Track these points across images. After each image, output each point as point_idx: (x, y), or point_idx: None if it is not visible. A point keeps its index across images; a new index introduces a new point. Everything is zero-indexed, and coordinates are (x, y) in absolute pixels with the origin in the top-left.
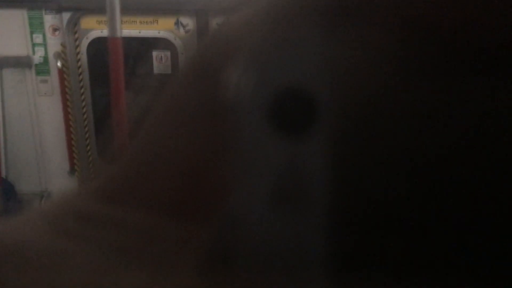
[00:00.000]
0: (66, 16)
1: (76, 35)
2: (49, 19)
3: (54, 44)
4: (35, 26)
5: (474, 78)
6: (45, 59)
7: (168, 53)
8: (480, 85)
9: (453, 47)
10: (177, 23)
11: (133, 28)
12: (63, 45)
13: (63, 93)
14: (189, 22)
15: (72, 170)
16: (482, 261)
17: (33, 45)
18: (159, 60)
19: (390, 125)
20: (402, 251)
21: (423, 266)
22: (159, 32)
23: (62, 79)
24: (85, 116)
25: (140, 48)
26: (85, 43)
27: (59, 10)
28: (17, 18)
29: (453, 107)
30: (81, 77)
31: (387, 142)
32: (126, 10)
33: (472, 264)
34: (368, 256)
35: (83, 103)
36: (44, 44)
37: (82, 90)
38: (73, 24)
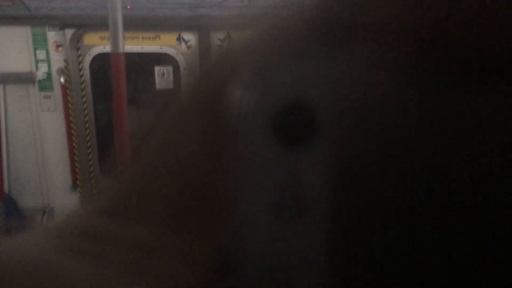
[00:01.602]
0: (69, 32)
1: (79, 51)
2: (52, 36)
3: (57, 60)
4: (39, 42)
5: (479, 91)
6: (48, 75)
7: (170, 68)
8: (485, 98)
9: (456, 60)
10: (179, 38)
11: (136, 44)
12: (66, 61)
13: (66, 108)
14: (191, 37)
15: (74, 185)
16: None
17: (37, 61)
18: (161, 75)
19: (391, 137)
20: (404, 262)
21: (425, 280)
22: (161, 48)
23: (65, 95)
24: (87, 131)
25: (142, 64)
26: (88, 59)
27: (62, 26)
28: (21, 35)
29: (457, 119)
30: (83, 92)
31: (388, 154)
32: (129, 26)
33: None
34: (369, 266)
35: (86, 118)
36: (48, 60)
37: (84, 106)
38: (76, 40)
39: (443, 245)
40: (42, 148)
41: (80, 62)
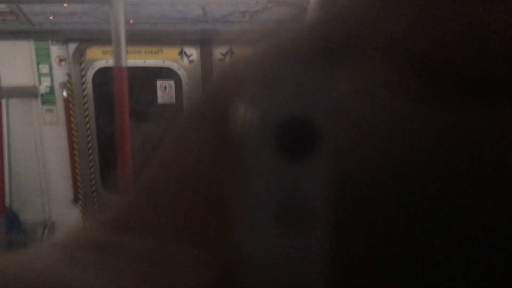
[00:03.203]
0: (72, 46)
1: (82, 65)
2: (55, 50)
3: (60, 74)
4: (42, 56)
5: (476, 109)
6: (51, 89)
7: (172, 83)
8: (483, 116)
9: (457, 77)
10: (181, 53)
11: (138, 58)
12: (69, 75)
13: (68, 122)
14: (193, 52)
15: (75, 199)
16: None
17: (39, 75)
18: (163, 90)
19: (391, 150)
20: (407, 274)
21: None
22: (163, 62)
23: (67, 109)
24: (89, 145)
25: (145, 78)
26: (90, 73)
27: (65, 41)
28: (24, 49)
29: (458, 134)
30: (86, 106)
31: (389, 166)
32: (131, 40)
33: None
34: (371, 276)
35: (88, 132)
36: (50, 74)
37: (87, 119)
38: (79, 55)
39: (448, 257)
40: (44, 162)
41: (82, 76)
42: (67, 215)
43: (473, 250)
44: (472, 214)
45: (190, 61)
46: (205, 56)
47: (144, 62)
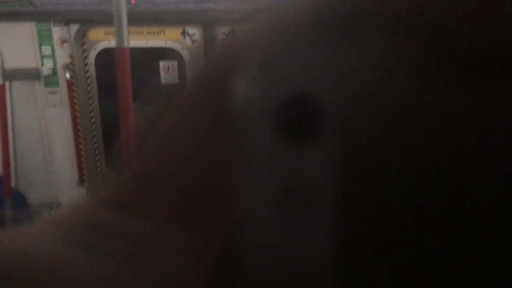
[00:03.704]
0: (74, 28)
1: (84, 47)
2: (57, 31)
3: (62, 56)
4: (44, 38)
5: (489, 86)
6: (54, 70)
7: (175, 63)
8: (495, 93)
9: (464, 54)
10: (183, 33)
11: (140, 39)
12: (71, 56)
13: (72, 104)
14: (195, 32)
15: (81, 181)
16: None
17: (42, 57)
18: (166, 70)
19: (398, 131)
20: (412, 259)
21: (429, 282)
22: (166, 42)
23: (70, 90)
24: (93, 126)
25: (147, 58)
26: (93, 54)
27: (67, 22)
28: (26, 31)
29: (465, 114)
30: (89, 88)
31: (395, 148)
32: (133, 21)
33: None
34: (374, 265)
35: (92, 114)
36: (53, 56)
37: (90, 101)
38: (81, 36)
39: (454, 245)
40: (49, 143)
41: (85, 58)
42: (73, 196)
43: (480, 240)
44: (479, 199)
45: (193, 41)
46: (208, 36)
47: (147, 42)
